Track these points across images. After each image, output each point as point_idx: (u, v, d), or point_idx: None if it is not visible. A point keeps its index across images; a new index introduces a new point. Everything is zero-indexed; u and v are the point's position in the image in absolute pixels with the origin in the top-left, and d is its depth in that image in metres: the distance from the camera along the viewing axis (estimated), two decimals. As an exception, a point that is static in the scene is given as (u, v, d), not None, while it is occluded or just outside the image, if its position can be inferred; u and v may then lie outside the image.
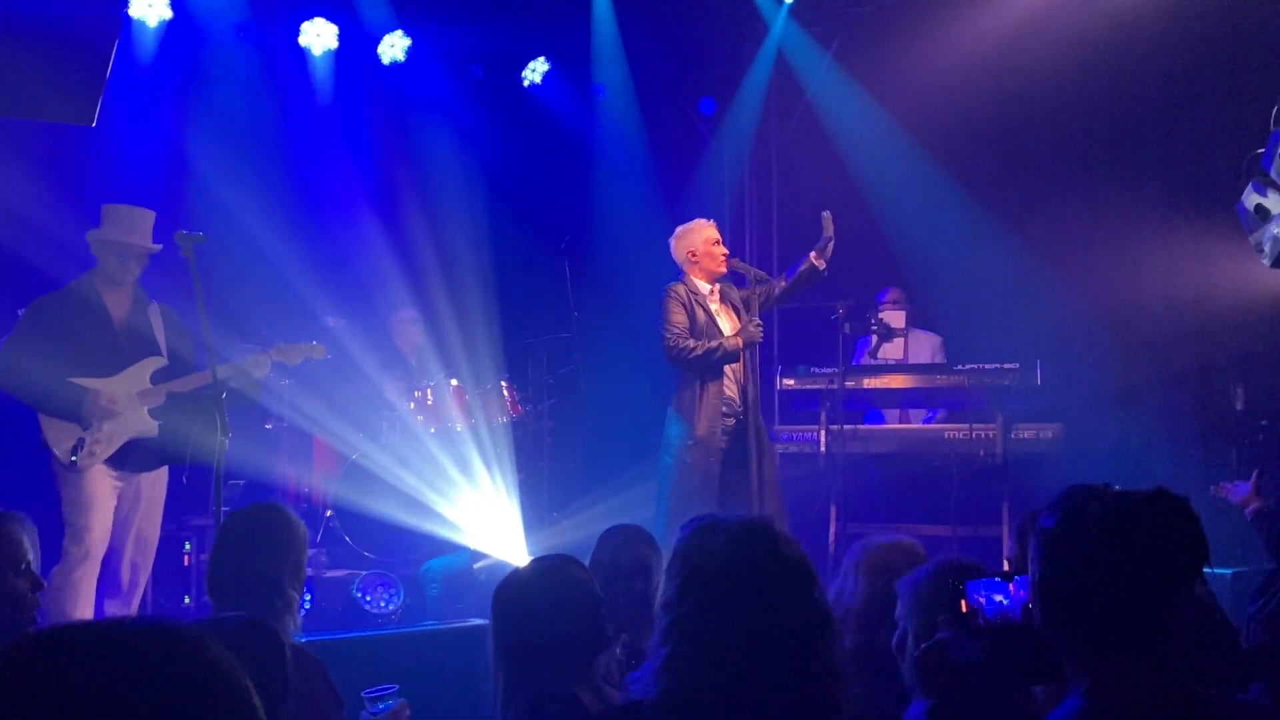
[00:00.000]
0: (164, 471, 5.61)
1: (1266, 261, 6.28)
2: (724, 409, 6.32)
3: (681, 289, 6.37)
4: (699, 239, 6.49)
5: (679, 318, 6.25)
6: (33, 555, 3.14)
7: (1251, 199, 6.31)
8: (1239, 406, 7.05)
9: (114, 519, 5.40)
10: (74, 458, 5.24)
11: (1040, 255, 8.03)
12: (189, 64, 7.75)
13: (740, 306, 6.49)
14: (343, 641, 4.95)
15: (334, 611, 6.45)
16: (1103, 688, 1.82)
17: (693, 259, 6.46)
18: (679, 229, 6.63)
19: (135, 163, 7.19)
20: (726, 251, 6.53)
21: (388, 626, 6.21)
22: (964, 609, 2.24)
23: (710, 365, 6.26)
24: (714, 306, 6.45)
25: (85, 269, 5.61)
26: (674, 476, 6.26)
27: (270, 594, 3.08)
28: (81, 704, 1.14)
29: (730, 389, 6.38)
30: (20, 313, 5.56)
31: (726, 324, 6.44)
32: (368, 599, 6.39)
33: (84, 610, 5.16)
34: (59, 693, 1.14)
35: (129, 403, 5.42)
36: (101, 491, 5.33)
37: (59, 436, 5.29)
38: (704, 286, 6.45)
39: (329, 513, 7.19)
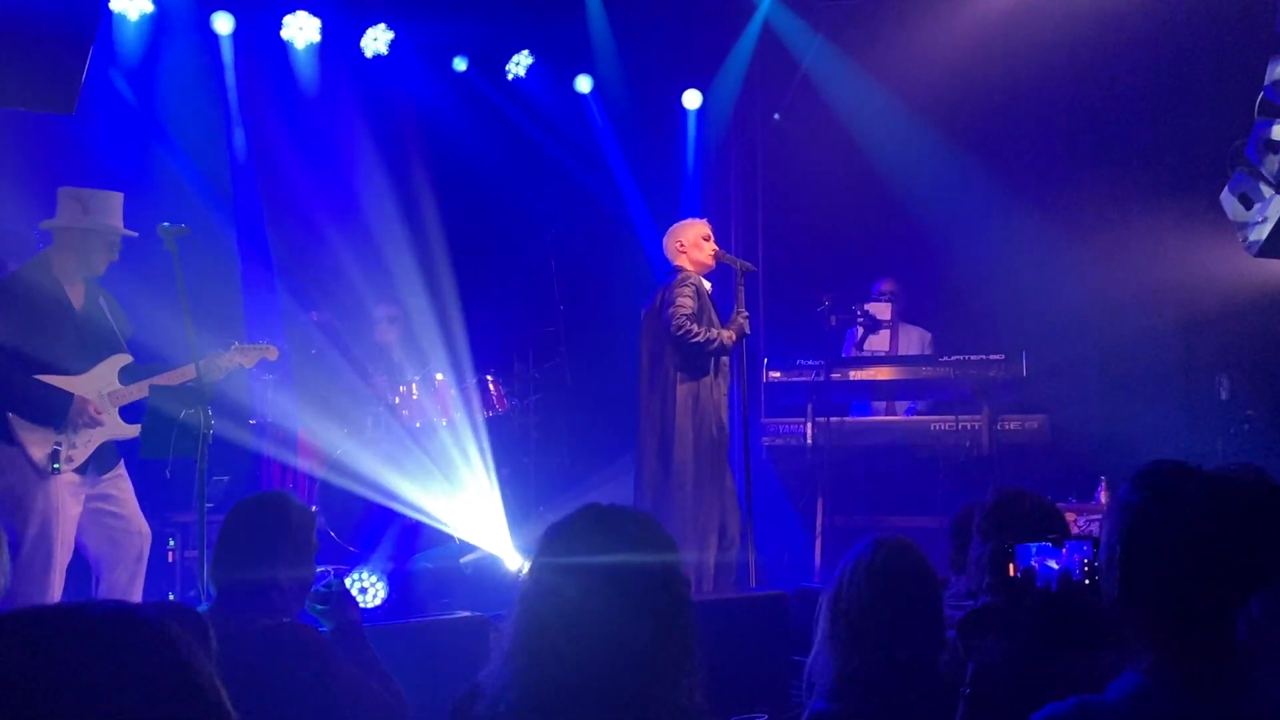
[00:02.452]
0: (122, 467, 5.34)
1: (1252, 252, 6.29)
2: (724, 401, 6.38)
3: (694, 278, 6.41)
4: (690, 233, 6.56)
5: (689, 301, 6.28)
6: (9, 567, 3.11)
7: (1236, 189, 6.32)
8: (1224, 397, 7.07)
9: (82, 524, 5.13)
10: (56, 465, 4.97)
11: (1025, 246, 8.04)
12: (170, 57, 7.69)
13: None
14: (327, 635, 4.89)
15: (318, 607, 6.40)
16: (1167, 667, 1.80)
17: (680, 249, 6.49)
18: (670, 231, 6.68)
19: (112, 155, 7.13)
20: (716, 248, 6.54)
21: (374, 620, 6.16)
22: (1012, 573, 2.23)
23: (705, 356, 6.29)
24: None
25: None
26: (692, 474, 6.24)
27: (266, 580, 3.07)
28: (46, 682, 1.16)
29: (724, 384, 6.44)
30: None
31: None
32: (352, 593, 6.34)
33: (33, 597, 4.84)
34: (22, 673, 1.16)
35: (102, 404, 5.17)
36: (71, 497, 5.06)
37: (35, 439, 4.98)
38: (705, 282, 6.48)
39: (313, 508, 7.14)
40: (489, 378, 7.79)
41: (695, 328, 6.21)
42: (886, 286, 8.42)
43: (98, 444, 5.17)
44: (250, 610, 3.01)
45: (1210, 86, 7.41)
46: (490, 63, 8.99)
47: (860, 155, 8.60)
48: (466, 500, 7.11)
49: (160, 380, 5.31)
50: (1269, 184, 6.12)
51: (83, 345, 5.17)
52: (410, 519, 6.89)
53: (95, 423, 5.12)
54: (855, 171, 8.58)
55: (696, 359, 6.29)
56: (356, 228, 8.18)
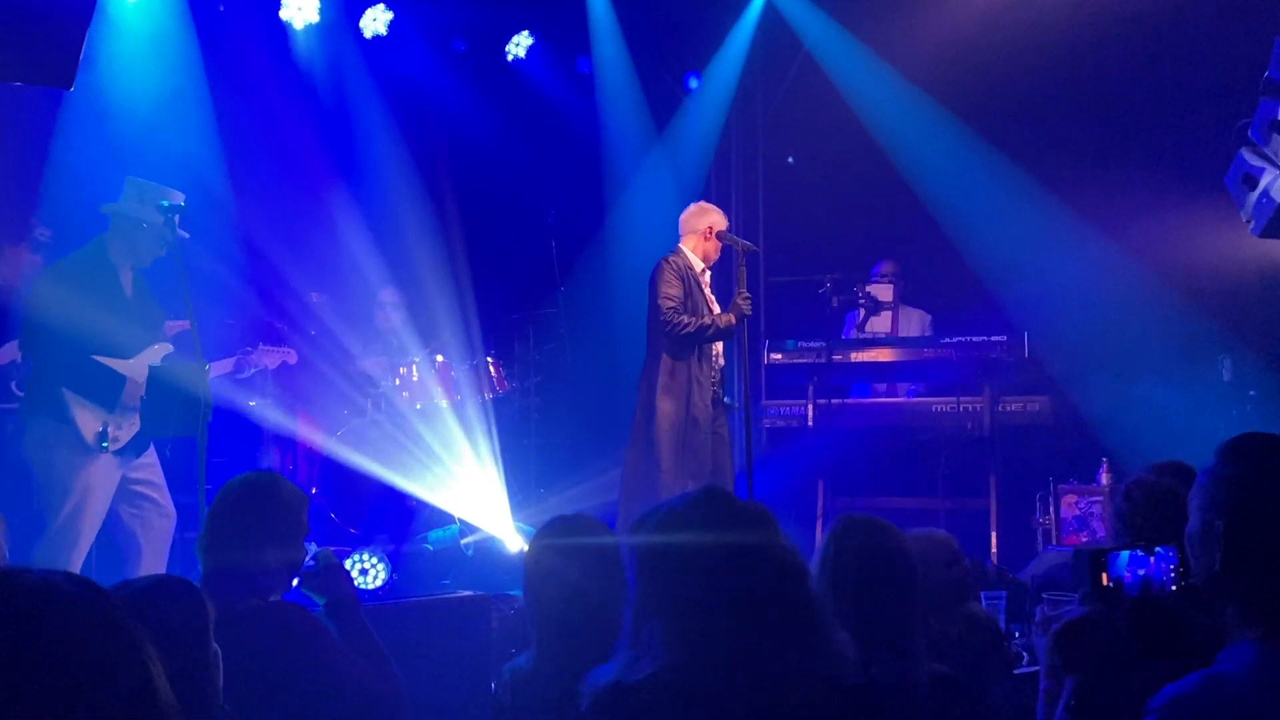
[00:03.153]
0: (154, 452, 5.44)
1: (1255, 232, 6.27)
2: (712, 387, 6.30)
3: (678, 262, 6.32)
4: (719, 219, 6.46)
5: (674, 290, 6.18)
6: (6, 550, 3.11)
7: (1240, 169, 6.30)
8: (1227, 377, 7.06)
9: (116, 505, 5.21)
10: (105, 443, 5.08)
11: (1027, 227, 8.02)
12: (169, 37, 7.65)
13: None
14: (319, 613, 4.89)
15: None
16: (1277, 637, 1.82)
17: (706, 237, 6.40)
18: (700, 204, 6.59)
19: (107, 135, 7.10)
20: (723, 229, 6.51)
21: (376, 599, 6.16)
22: (1104, 582, 2.21)
23: (702, 342, 6.22)
24: (705, 281, 6.41)
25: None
26: (669, 456, 6.19)
27: (254, 561, 3.04)
28: None
29: (715, 367, 6.36)
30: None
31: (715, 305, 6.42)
32: (353, 575, 6.35)
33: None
34: None
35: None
36: (109, 477, 5.15)
37: (86, 417, 5.08)
38: (698, 264, 6.40)
39: (314, 489, 7.15)
40: (490, 359, 7.77)
41: (685, 319, 6.12)
42: (887, 268, 8.39)
43: (139, 427, 5.24)
44: (237, 591, 2.97)
45: (1215, 66, 7.38)
46: (490, 44, 8.95)
47: (861, 136, 8.56)
48: (467, 482, 7.10)
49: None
50: (1273, 164, 6.10)
51: (132, 330, 5.25)
52: (411, 500, 6.88)
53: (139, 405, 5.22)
54: (856, 152, 8.55)
55: (683, 341, 6.22)
56: (356, 208, 8.16)
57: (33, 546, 4.94)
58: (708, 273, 6.49)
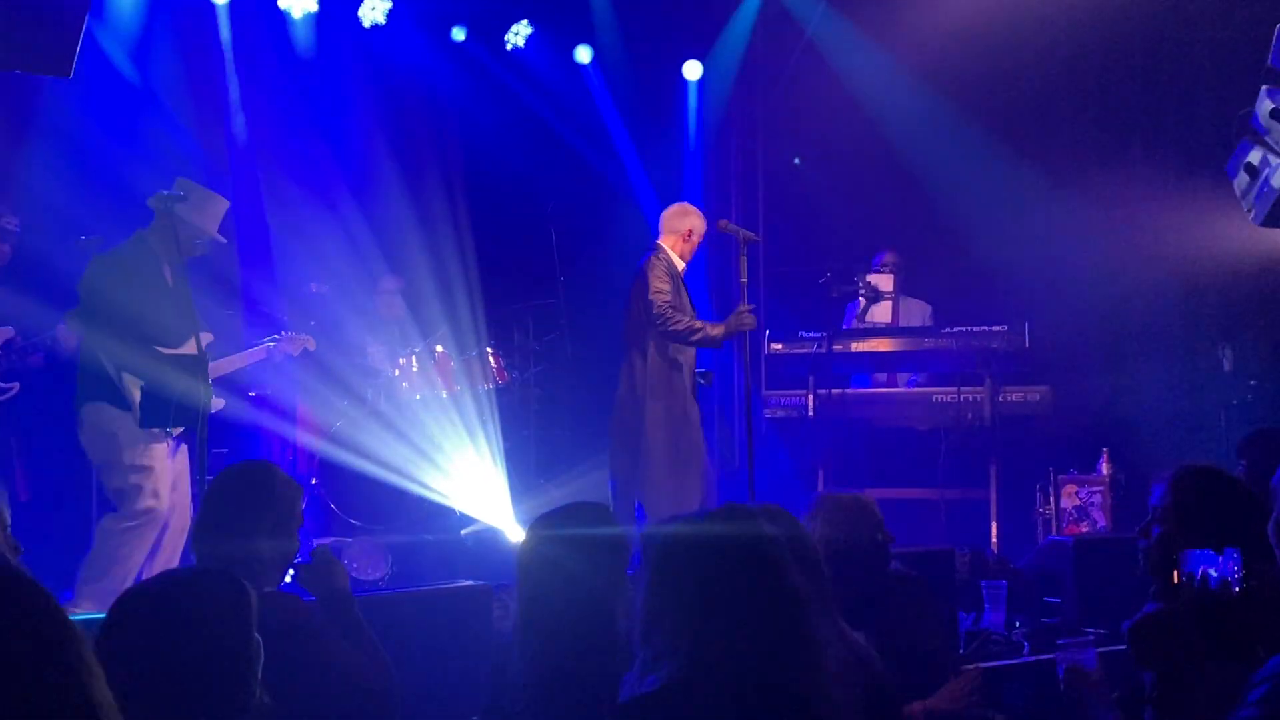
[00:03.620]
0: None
1: (1256, 221, 6.26)
2: (697, 386, 6.32)
3: (666, 259, 6.30)
4: (699, 224, 6.44)
5: (666, 285, 6.17)
6: (9, 514, 3.13)
7: (1241, 158, 6.28)
8: (1227, 367, 7.05)
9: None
10: (169, 430, 5.24)
11: (1028, 217, 8.01)
12: (165, 27, 7.62)
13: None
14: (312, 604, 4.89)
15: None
16: None
17: (688, 238, 6.39)
18: (683, 205, 6.57)
19: (106, 126, 7.09)
20: (723, 221, 6.49)
21: (376, 590, 6.16)
22: (1175, 580, 2.21)
23: (686, 344, 6.19)
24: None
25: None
26: (669, 456, 6.19)
27: (245, 548, 3.03)
28: None
29: (694, 360, 6.36)
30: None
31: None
32: (354, 566, 6.35)
33: (134, 557, 5.14)
34: None
35: None
36: (164, 459, 5.31)
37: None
38: (679, 263, 6.39)
39: (314, 480, 7.14)
40: (490, 350, 7.76)
41: (678, 316, 6.09)
42: (888, 258, 8.37)
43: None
44: None
45: (1216, 54, 7.36)
46: (489, 33, 8.93)
47: (861, 125, 8.54)
48: (468, 472, 7.09)
49: (238, 360, 5.79)
50: (1274, 153, 6.08)
51: (179, 320, 5.32)
52: (411, 491, 6.87)
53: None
54: (856, 142, 8.53)
55: (670, 338, 6.18)
56: (355, 199, 8.14)
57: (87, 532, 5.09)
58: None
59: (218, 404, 5.50)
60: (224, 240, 5.54)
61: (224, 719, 2.13)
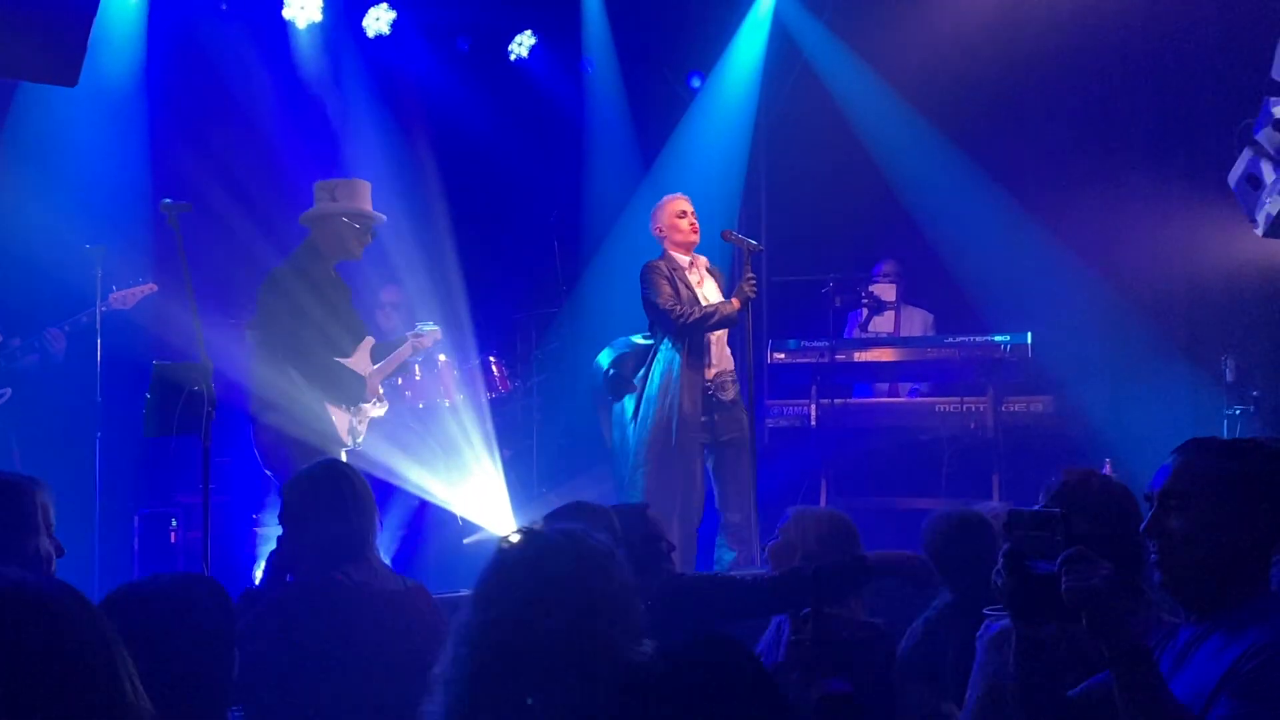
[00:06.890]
0: None
1: (1259, 231, 6.27)
2: (707, 386, 6.28)
3: (662, 264, 6.35)
4: (665, 214, 6.48)
5: (667, 288, 6.20)
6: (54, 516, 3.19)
7: (1243, 169, 6.30)
8: (1230, 378, 7.04)
9: None
10: (357, 440, 5.39)
11: (1030, 228, 8.01)
12: (169, 35, 7.64)
13: (720, 280, 6.50)
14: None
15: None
16: None
17: (660, 235, 6.47)
18: (662, 199, 6.63)
19: (109, 134, 7.10)
20: (695, 223, 6.49)
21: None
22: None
23: (707, 329, 6.21)
24: (694, 278, 6.41)
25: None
26: (652, 459, 6.18)
27: (357, 550, 3.31)
28: None
29: (711, 364, 6.33)
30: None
31: (713, 296, 6.42)
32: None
33: None
34: None
35: (373, 382, 5.58)
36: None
37: (341, 416, 5.38)
38: (682, 259, 6.41)
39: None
40: (492, 359, 7.76)
41: (686, 309, 6.14)
42: (889, 267, 8.38)
43: (367, 421, 5.56)
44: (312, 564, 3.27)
45: (1218, 65, 7.37)
46: (493, 43, 8.94)
47: (864, 136, 8.55)
48: (470, 481, 7.09)
49: (392, 360, 5.79)
50: (1277, 164, 6.09)
51: (349, 328, 5.47)
52: (414, 499, 6.86)
53: (376, 400, 5.56)
54: (859, 152, 8.53)
55: (678, 339, 6.21)
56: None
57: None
58: (700, 264, 6.49)
59: (378, 411, 5.59)
60: (383, 217, 5.61)
61: (205, 716, 2.17)
